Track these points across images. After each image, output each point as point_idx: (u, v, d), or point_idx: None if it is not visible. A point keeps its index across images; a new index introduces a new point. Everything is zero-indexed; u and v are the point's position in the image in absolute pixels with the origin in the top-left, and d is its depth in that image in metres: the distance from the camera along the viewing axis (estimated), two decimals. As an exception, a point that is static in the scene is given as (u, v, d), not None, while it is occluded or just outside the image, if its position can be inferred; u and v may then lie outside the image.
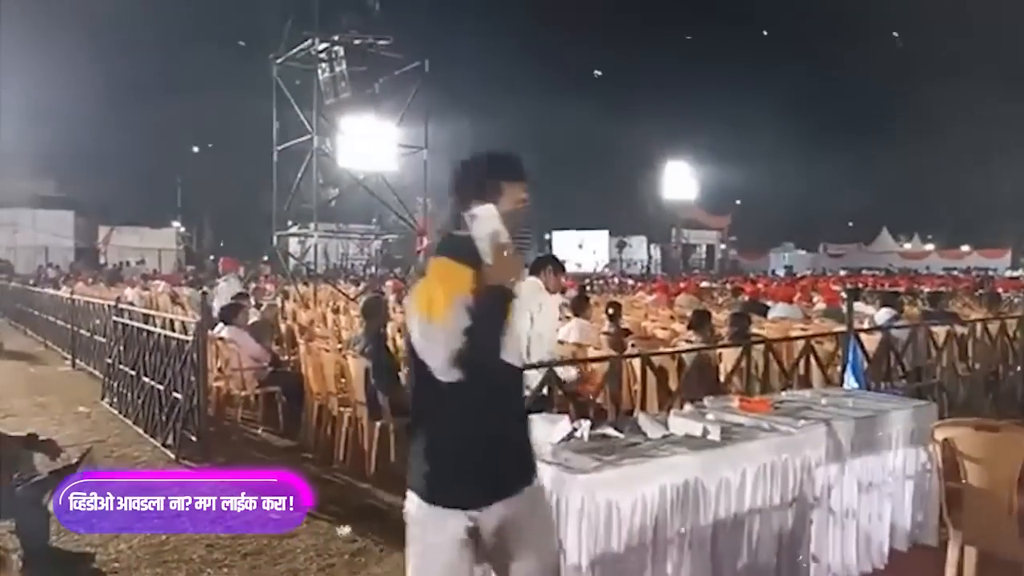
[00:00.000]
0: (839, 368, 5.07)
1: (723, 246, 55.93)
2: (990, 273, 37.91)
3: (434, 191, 17.81)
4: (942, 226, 55.35)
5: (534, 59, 47.31)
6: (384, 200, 17.16)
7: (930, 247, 55.70)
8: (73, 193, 36.47)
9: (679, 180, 45.39)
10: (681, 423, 3.19)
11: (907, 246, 56.54)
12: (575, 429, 3.09)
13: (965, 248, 52.31)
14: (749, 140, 49.69)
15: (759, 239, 55.62)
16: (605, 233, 46.29)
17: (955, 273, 40.09)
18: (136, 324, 7.26)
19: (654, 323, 9.08)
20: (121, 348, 7.63)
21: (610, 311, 7.60)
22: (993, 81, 43.57)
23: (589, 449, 2.93)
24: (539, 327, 4.12)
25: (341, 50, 15.32)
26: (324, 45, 15.16)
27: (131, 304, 13.62)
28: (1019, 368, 6.74)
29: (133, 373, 7.11)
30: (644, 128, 46.15)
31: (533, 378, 3.57)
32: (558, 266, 4.60)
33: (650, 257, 50.74)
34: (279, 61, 15.51)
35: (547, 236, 48.53)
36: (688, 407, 3.64)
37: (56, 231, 33.85)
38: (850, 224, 59.88)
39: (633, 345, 6.64)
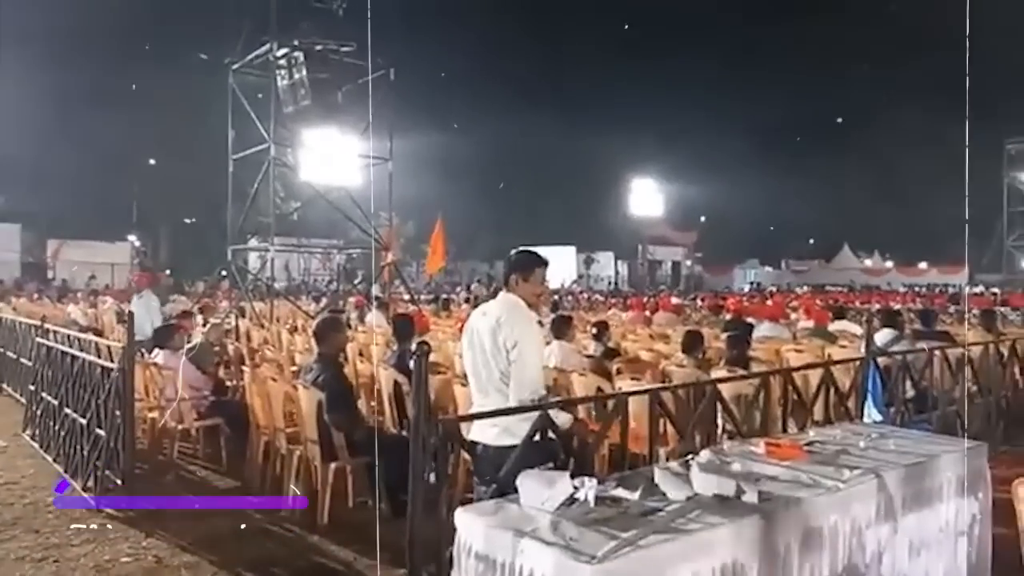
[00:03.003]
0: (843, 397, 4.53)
1: (689, 262, 55.99)
2: (950, 289, 38.31)
3: (399, 204, 17.06)
4: (900, 243, 56.24)
5: (503, 72, 47.04)
6: (347, 214, 16.36)
7: (890, 264, 56.49)
8: (20, 206, 34.91)
9: (646, 197, 45.26)
10: (707, 480, 2.56)
11: (868, 263, 57.23)
12: (576, 489, 2.44)
13: (923, 265, 53.08)
14: (714, 158, 50.06)
15: (724, 255, 55.92)
16: (572, 249, 45.86)
17: (917, 289, 40.47)
18: (61, 347, 6.42)
19: (635, 343, 8.49)
20: (46, 374, 6.78)
21: (595, 331, 6.99)
22: (947, 105, 44.59)
23: (598, 520, 2.28)
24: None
25: (301, 56, 14.54)
26: (283, 51, 14.38)
27: (74, 322, 12.68)
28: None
29: (56, 403, 6.28)
30: (611, 144, 46.12)
31: (519, 424, 2.91)
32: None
33: (617, 273, 50.53)
34: (236, 67, 14.68)
35: (514, 252, 47.96)
36: (707, 454, 3.01)
37: (2, 244, 32.30)
38: (811, 241, 60.68)
39: (619, 370, 6.01)
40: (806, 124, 53.71)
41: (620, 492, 2.48)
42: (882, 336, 6.68)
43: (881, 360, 5.32)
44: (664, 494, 2.50)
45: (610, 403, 3.21)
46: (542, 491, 2.37)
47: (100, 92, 34.91)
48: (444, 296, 21.27)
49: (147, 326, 8.44)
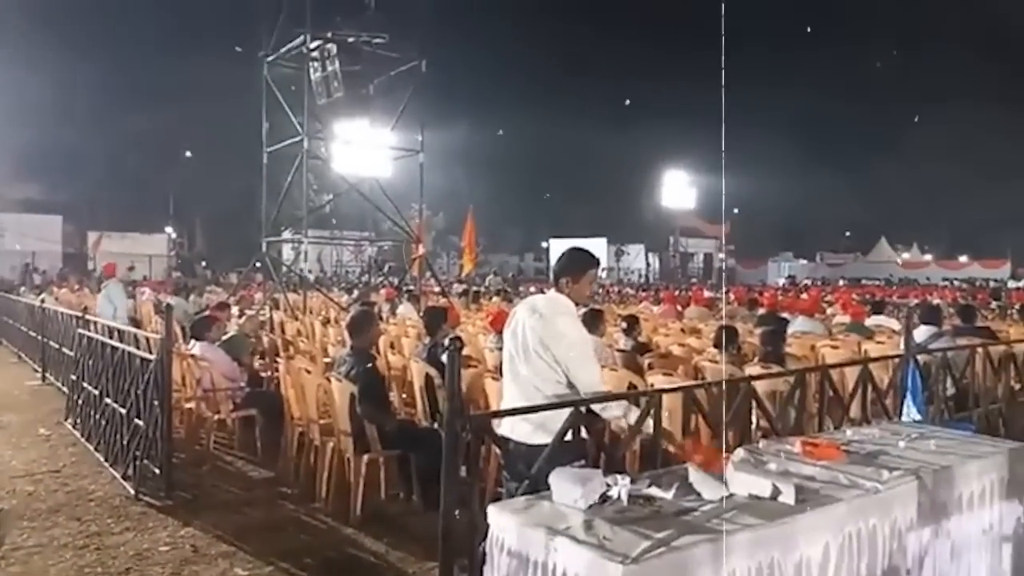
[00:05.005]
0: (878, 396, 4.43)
1: (721, 255, 55.37)
2: (991, 284, 37.37)
3: (428, 196, 17.09)
4: (940, 236, 54.99)
5: (534, 63, 46.84)
6: (379, 206, 16.43)
7: (928, 257, 55.23)
8: (61, 198, 35.77)
9: (678, 188, 44.78)
10: (743, 479, 2.52)
11: (906, 256, 56.01)
12: (609, 487, 2.43)
13: (963, 259, 51.82)
14: (748, 149, 49.08)
15: (757, 248, 55.16)
16: (603, 241, 45.67)
17: (957, 283, 39.56)
18: (100, 338, 6.56)
19: (667, 337, 8.42)
20: (87, 364, 6.94)
21: (625, 325, 6.94)
22: (991, 97, 43.50)
23: (631, 519, 2.26)
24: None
25: (334, 48, 14.61)
26: (316, 43, 14.45)
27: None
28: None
29: (96, 392, 6.42)
30: (644, 136, 45.69)
31: (554, 421, 2.89)
32: None
33: (648, 265, 50.17)
34: (269, 59, 14.80)
35: (544, 244, 47.86)
36: (741, 452, 2.97)
37: (43, 236, 33.13)
38: (847, 234, 59.58)
39: (651, 365, 5.97)
40: (842, 114, 52.66)
41: (653, 491, 2.45)
42: (921, 332, 6.52)
43: (920, 357, 5.21)
44: (699, 494, 2.47)
45: (643, 400, 3.15)
46: (575, 489, 2.36)
47: (138, 86, 35.58)
48: (474, 289, 21.32)
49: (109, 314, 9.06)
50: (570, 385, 3.14)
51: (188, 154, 38.63)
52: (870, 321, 9.39)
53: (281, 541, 4.37)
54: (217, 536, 4.41)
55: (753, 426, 4.50)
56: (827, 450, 2.98)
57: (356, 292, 19.15)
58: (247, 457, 6.06)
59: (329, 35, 14.56)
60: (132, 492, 5.11)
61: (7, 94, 30.44)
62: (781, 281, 43.86)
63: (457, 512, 2.59)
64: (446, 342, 6.04)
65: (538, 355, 3.16)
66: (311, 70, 14.72)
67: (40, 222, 33.60)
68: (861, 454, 3.03)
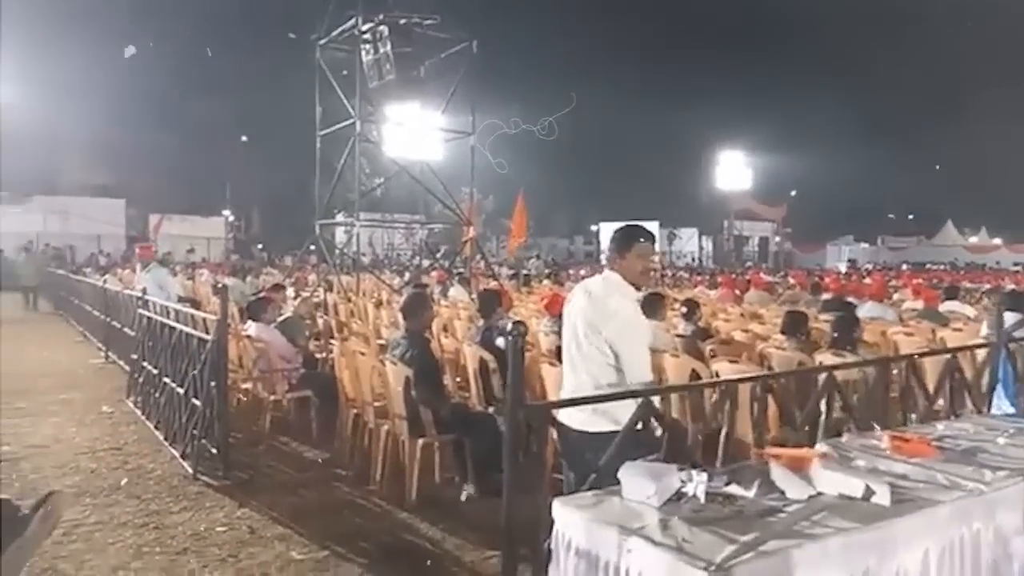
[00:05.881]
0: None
1: (778, 238, 54.01)
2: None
3: (480, 179, 16.97)
4: (1010, 219, 52.51)
5: (586, 44, 46.16)
6: (430, 188, 16.37)
7: (998, 241, 52.84)
8: (125, 182, 36.83)
9: (733, 170, 43.71)
10: (831, 478, 2.32)
11: (973, 240, 53.74)
12: (684, 483, 2.26)
13: (1035, 242, 49.43)
14: (806, 128, 47.92)
15: (815, 231, 53.64)
16: (655, 224, 44.97)
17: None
18: (159, 318, 6.63)
19: (727, 323, 8.14)
20: (147, 343, 7.04)
21: (684, 309, 6.71)
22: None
23: (711, 520, 2.08)
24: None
25: (386, 30, 14.51)
26: (368, 25, 14.39)
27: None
28: None
29: (156, 372, 6.51)
30: (698, 116, 44.72)
31: (622, 409, 2.72)
32: None
33: (701, 249, 49.24)
34: (322, 42, 14.83)
35: (595, 227, 47.36)
36: (824, 447, 2.76)
37: (108, 219, 34.19)
38: (910, 216, 57.46)
39: (713, 352, 5.73)
40: (906, 92, 50.58)
41: (733, 489, 2.27)
42: (1008, 319, 6.14)
43: (1011, 346, 4.86)
44: (782, 492, 2.28)
45: (714, 390, 2.97)
46: (648, 485, 2.19)
47: (197, 75, 36.33)
48: (524, 272, 21.17)
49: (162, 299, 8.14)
50: (619, 370, 2.99)
51: (244, 139, 39.37)
52: (943, 307, 8.93)
53: (336, 524, 4.32)
54: (273, 518, 4.39)
55: (822, 417, 4.27)
56: (919, 446, 2.75)
57: (407, 274, 19.21)
58: (302, 438, 6.05)
59: (381, 17, 14.47)
60: (190, 471, 5.14)
61: (76, 86, 31.40)
62: (841, 265, 42.54)
63: (519, 502, 2.45)
64: (503, 325, 5.93)
65: (587, 339, 3.03)
66: (363, 52, 14.67)
67: (105, 206, 34.65)
68: (957, 451, 2.79)
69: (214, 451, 5.17)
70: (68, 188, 33.65)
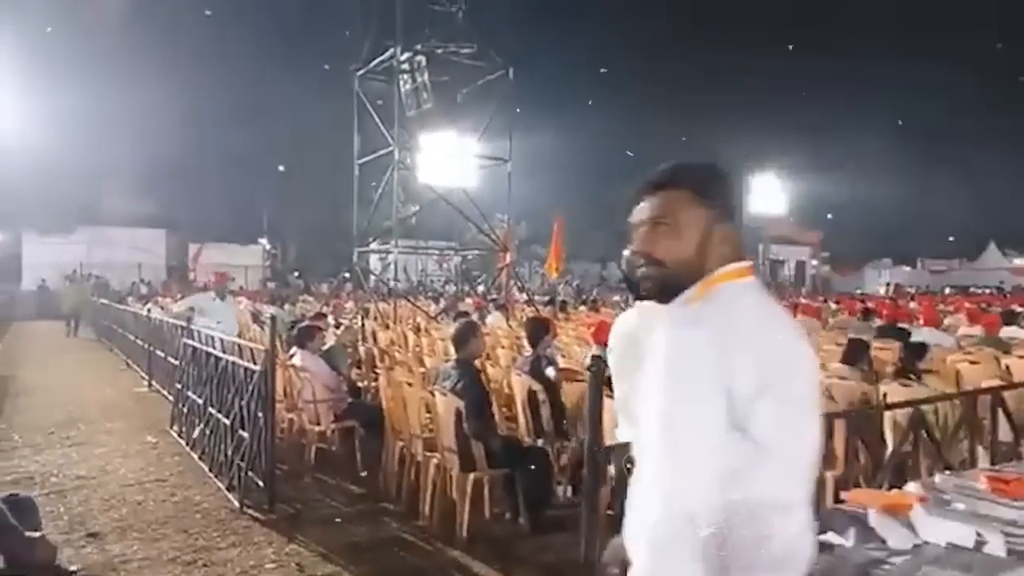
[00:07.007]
0: None
1: (814, 262, 53.18)
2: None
3: (516, 205, 16.97)
4: (1058, 241, 51.11)
5: (620, 68, 46.28)
6: (466, 215, 16.40)
7: (1045, 263, 51.41)
8: (166, 212, 37.64)
9: (767, 193, 43.20)
10: (935, 524, 2.15)
11: (1017, 262, 52.29)
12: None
13: (1084, 265, 48.01)
14: (842, 150, 47.24)
15: (853, 254, 52.68)
16: (690, 249, 44.52)
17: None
18: (204, 348, 6.62)
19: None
20: (190, 373, 7.04)
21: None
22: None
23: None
24: None
25: (424, 60, 14.72)
26: (407, 55, 14.58)
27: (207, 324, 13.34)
28: None
29: (201, 402, 6.49)
30: (730, 140, 44.38)
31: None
32: None
33: (735, 273, 48.60)
34: (360, 73, 15.03)
35: (626, 252, 47.01)
36: (914, 487, 2.58)
37: (149, 249, 34.93)
38: (950, 238, 56.16)
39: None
40: (945, 111, 49.69)
41: (830, 537, 2.11)
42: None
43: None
44: (883, 540, 2.11)
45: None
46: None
47: (235, 105, 37.15)
48: (561, 299, 21.04)
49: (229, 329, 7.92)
50: None
51: (281, 168, 40.07)
52: (1002, 333, 8.59)
53: (387, 561, 4.20)
54: (321, 554, 4.29)
55: (887, 451, 4.07)
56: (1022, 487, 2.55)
57: (442, 301, 19.20)
58: (347, 470, 5.96)
59: (419, 47, 14.68)
60: (237, 504, 5.06)
61: (119, 117, 32.31)
62: (880, 289, 41.65)
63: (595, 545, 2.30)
64: (551, 355, 5.79)
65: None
66: (401, 82, 14.87)
67: (147, 235, 35.42)
68: (1061, 493, 2.58)
69: (260, 484, 5.09)
70: (111, 218, 34.46)
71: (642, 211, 1.56)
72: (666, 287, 1.49)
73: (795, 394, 1.35)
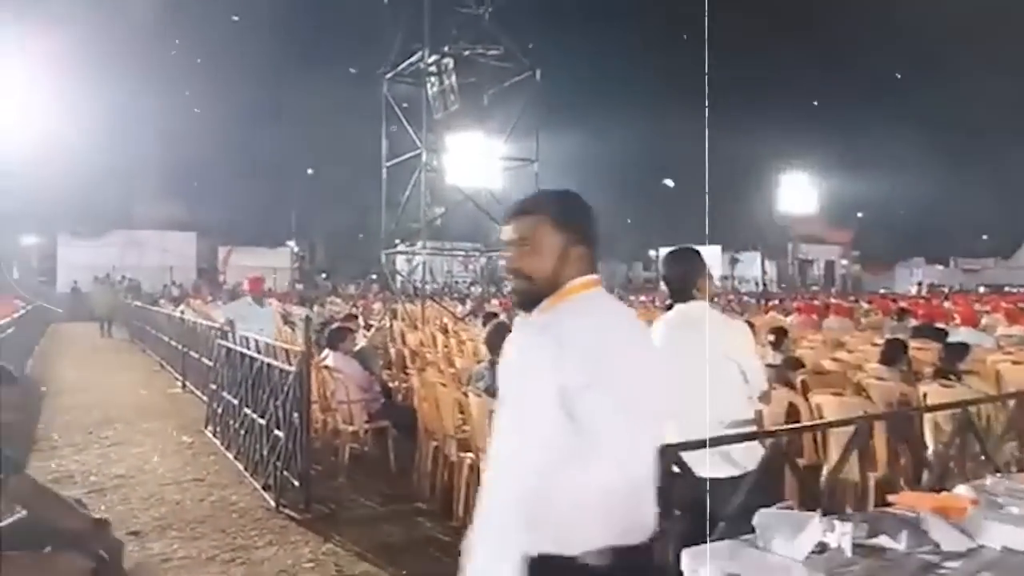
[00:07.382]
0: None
1: (844, 261, 52.44)
2: None
3: (540, 206, 16.91)
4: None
5: (647, 68, 46.10)
6: (493, 216, 16.39)
7: (1080, 261, 50.24)
8: (196, 215, 38.24)
9: (797, 192, 42.72)
10: (990, 527, 2.10)
11: (1053, 260, 51.19)
12: (826, 533, 2.07)
13: (1120, 263, 46.81)
14: (873, 148, 46.62)
15: (884, 253, 51.86)
16: (718, 249, 44.14)
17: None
18: (238, 349, 6.70)
19: (811, 351, 7.80)
20: (225, 374, 7.13)
21: (772, 338, 6.44)
22: None
23: (861, 575, 1.89)
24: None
25: (451, 62, 14.75)
26: (434, 57, 14.62)
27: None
28: None
29: (236, 402, 6.57)
30: (761, 138, 43.94)
31: (742, 452, 2.55)
32: None
33: (764, 273, 48.11)
34: (388, 76, 15.11)
35: (654, 253, 46.81)
36: (963, 489, 2.53)
37: (180, 252, 35.49)
38: (984, 236, 55.07)
39: (804, 383, 5.46)
40: (976, 108, 48.72)
41: (882, 540, 2.07)
42: None
43: None
44: (936, 544, 2.07)
45: (836, 429, 2.77)
46: (788, 535, 2.01)
47: (264, 110, 37.67)
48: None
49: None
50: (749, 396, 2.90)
51: (310, 171, 40.50)
52: (1043, 333, 8.41)
53: (423, 562, 4.22)
54: (357, 554, 4.31)
55: (929, 454, 4.00)
56: (1077, 492, 2.48)
57: (468, 302, 19.24)
58: (380, 470, 5.99)
59: (446, 49, 14.71)
60: (273, 504, 5.12)
61: (150, 121, 32.93)
62: (912, 288, 40.95)
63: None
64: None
65: (718, 366, 2.89)
66: (428, 84, 14.91)
67: (178, 238, 35.99)
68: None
69: (296, 483, 5.14)
70: (142, 222, 35.09)
71: (510, 232, 1.77)
72: (531, 297, 1.73)
73: (618, 387, 1.56)
